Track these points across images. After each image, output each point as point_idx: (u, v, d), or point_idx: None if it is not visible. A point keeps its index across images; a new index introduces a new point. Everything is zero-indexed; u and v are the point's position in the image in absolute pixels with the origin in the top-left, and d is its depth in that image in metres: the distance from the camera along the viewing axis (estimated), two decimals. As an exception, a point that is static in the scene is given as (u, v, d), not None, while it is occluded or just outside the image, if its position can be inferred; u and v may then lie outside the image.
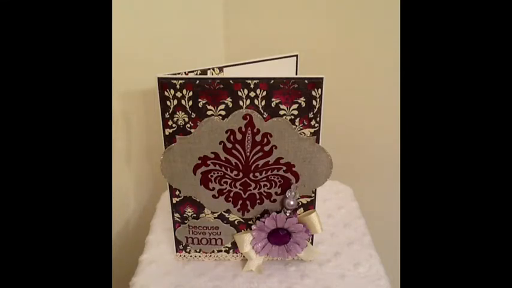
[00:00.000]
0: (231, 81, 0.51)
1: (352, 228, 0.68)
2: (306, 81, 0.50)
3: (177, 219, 0.60)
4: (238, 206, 0.58)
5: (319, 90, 0.51)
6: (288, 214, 0.57)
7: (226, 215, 0.59)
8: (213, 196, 0.58)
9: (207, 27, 0.74)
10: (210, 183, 0.57)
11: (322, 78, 0.50)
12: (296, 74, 0.61)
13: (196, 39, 0.73)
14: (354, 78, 0.79)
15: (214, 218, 0.60)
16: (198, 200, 0.58)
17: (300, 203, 0.58)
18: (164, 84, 0.51)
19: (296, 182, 0.56)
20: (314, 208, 0.59)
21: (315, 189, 0.57)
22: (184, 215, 0.60)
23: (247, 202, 0.58)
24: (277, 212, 0.57)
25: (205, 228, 0.60)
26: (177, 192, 0.58)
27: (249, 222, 0.60)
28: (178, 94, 0.51)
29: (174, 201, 0.59)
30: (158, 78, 0.51)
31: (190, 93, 0.51)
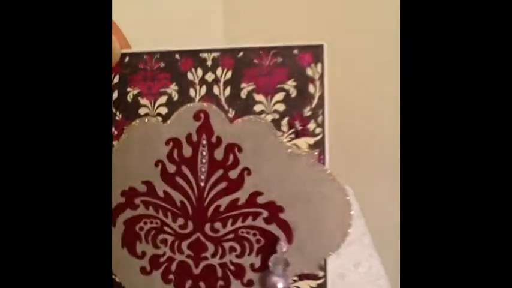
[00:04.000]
0: (177, 55, 0.32)
1: (352, 228, 0.50)
2: (296, 50, 0.31)
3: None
4: (186, 293, 0.32)
5: (319, 66, 0.30)
6: (273, 307, 0.30)
7: (166, 313, 0.33)
8: (142, 270, 0.33)
9: (206, 16, 0.70)
10: (137, 242, 0.33)
11: (322, 46, 0.31)
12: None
13: (196, 28, 0.63)
14: (354, 78, 0.74)
15: (145, 318, 0.33)
16: (117, 279, 0.33)
17: (298, 292, 0.31)
18: (79, 66, 0.33)
19: (288, 242, 0.31)
20: (325, 301, 0.31)
21: (325, 261, 0.31)
22: (94, 311, 0.34)
23: (201, 285, 0.32)
24: (254, 306, 0.30)
25: None
26: (85, 263, 0.34)
27: (206, 330, 0.32)
28: (98, 81, 0.33)
29: (79, 281, 0.34)
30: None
31: (116, 79, 0.33)
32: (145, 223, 0.32)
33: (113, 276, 0.33)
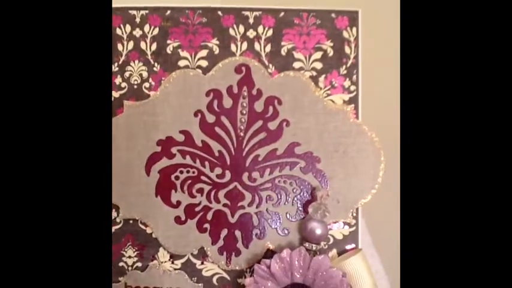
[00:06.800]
0: (219, 12, 0.33)
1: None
2: (334, 14, 0.33)
3: (106, 272, 0.33)
4: (221, 243, 0.32)
5: (354, 30, 0.33)
6: (314, 249, 0.31)
7: (198, 263, 0.32)
8: (177, 219, 0.32)
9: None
10: (172, 191, 0.32)
11: (357, 12, 0.33)
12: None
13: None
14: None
15: (176, 269, 0.32)
16: (148, 230, 0.32)
17: (331, 238, 0.33)
18: (118, 17, 0.33)
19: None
20: (357, 247, 0.33)
21: (357, 209, 0.33)
22: (120, 264, 0.32)
23: (237, 234, 0.32)
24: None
25: (155, 291, 0.32)
26: (113, 214, 0.33)
27: (239, 280, 0.32)
28: (137, 32, 0.33)
29: (105, 234, 0.33)
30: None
31: (156, 31, 0.33)
32: (181, 172, 0.32)
33: (144, 227, 0.32)
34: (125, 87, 0.33)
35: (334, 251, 0.32)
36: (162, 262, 0.32)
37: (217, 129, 0.32)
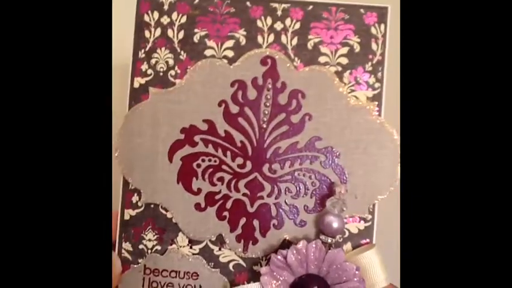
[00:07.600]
0: (247, 2, 0.33)
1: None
2: (362, 10, 0.33)
3: (126, 254, 0.34)
4: (239, 231, 0.33)
5: (382, 26, 0.33)
6: (329, 241, 0.31)
7: (216, 249, 0.33)
8: (197, 206, 0.33)
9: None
10: (194, 179, 0.33)
11: (386, 8, 0.33)
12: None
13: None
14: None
15: (194, 254, 0.33)
16: (168, 215, 0.33)
17: (347, 232, 0.33)
18: (146, 3, 0.34)
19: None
20: (372, 242, 0.33)
21: (374, 206, 0.33)
22: (140, 246, 0.33)
23: (255, 223, 0.33)
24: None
25: (173, 274, 0.33)
26: (135, 198, 0.34)
27: (254, 267, 0.33)
28: (165, 20, 0.33)
29: (126, 217, 0.34)
30: (138, -6, 0.34)
31: (184, 19, 0.33)
32: (203, 160, 0.33)
33: (164, 212, 0.33)
34: (150, 74, 0.33)
35: (348, 245, 0.33)
36: (180, 246, 0.33)
37: (240, 120, 0.33)
